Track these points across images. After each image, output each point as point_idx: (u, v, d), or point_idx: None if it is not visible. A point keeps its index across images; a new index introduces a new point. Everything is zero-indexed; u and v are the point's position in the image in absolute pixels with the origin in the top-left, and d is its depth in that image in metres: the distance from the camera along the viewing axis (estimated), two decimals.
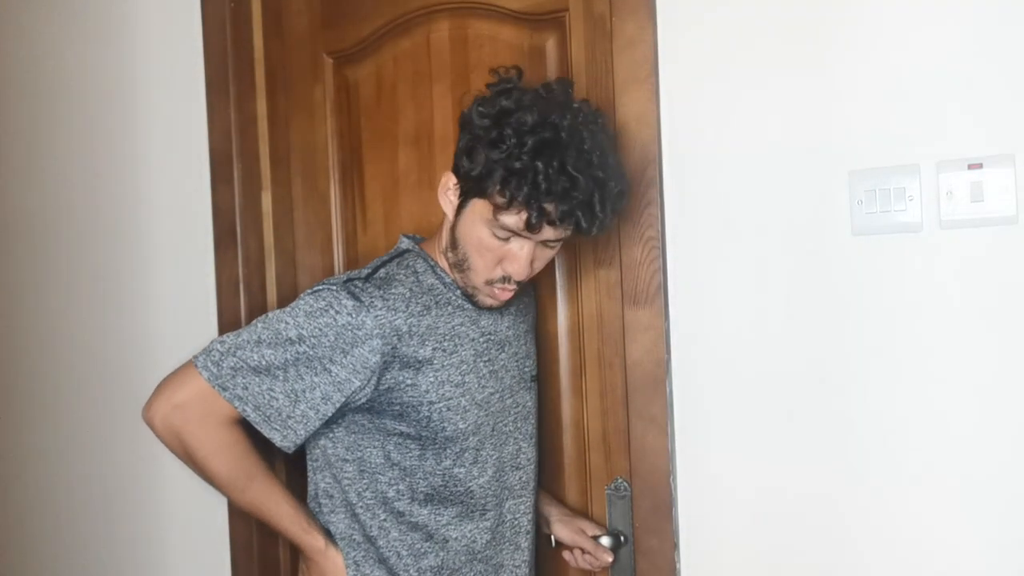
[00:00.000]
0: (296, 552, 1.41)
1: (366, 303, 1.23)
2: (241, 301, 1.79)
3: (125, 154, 1.88)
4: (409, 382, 1.26)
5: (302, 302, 1.25)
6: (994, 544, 1.21)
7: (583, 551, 1.46)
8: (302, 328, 1.23)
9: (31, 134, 1.78)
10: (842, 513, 1.30)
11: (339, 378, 1.23)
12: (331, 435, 1.33)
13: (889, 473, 1.27)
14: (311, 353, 1.22)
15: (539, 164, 1.17)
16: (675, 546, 1.42)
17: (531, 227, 1.19)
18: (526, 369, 1.43)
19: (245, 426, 1.26)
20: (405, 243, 1.39)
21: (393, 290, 1.27)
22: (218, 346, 1.24)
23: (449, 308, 1.31)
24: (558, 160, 1.17)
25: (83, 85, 1.89)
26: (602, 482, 1.52)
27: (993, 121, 1.20)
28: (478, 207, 1.24)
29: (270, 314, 1.27)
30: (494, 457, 1.35)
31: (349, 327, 1.22)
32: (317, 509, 1.36)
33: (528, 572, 1.43)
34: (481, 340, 1.34)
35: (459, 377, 1.29)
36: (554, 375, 1.56)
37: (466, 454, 1.32)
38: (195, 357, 1.24)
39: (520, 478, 1.40)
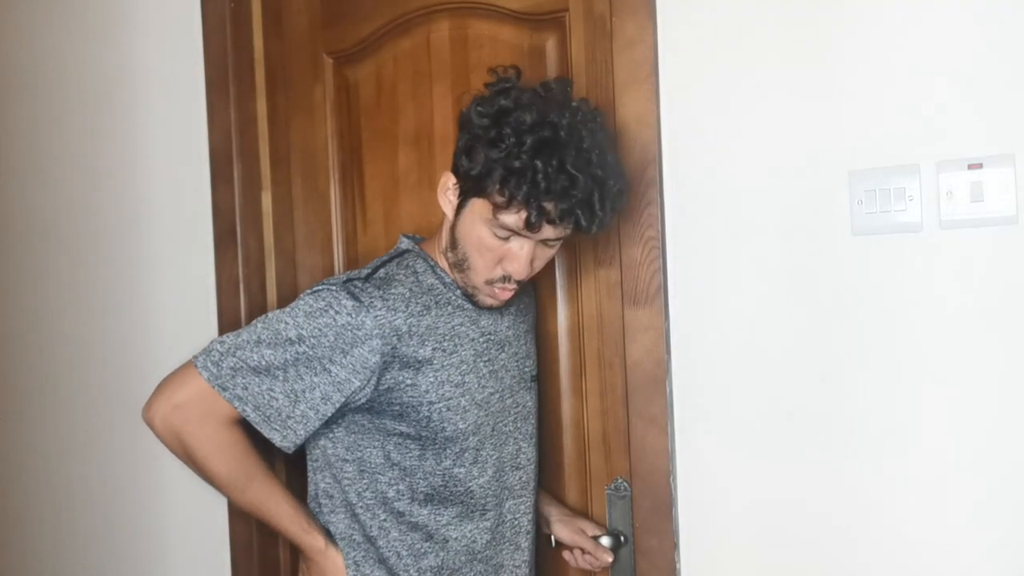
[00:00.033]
0: (296, 552, 1.40)
1: (366, 303, 1.23)
2: (241, 301, 1.79)
3: (125, 154, 1.88)
4: (409, 382, 1.26)
5: (302, 302, 1.25)
6: (995, 545, 1.21)
7: (583, 551, 1.46)
8: (302, 328, 1.23)
9: (31, 134, 1.78)
10: (842, 513, 1.30)
11: (339, 378, 1.23)
12: (331, 435, 1.33)
13: (889, 473, 1.27)
14: (311, 353, 1.22)
15: (538, 163, 1.17)
16: (675, 546, 1.42)
17: (531, 226, 1.19)
18: (526, 369, 1.43)
19: (245, 426, 1.26)
20: (405, 243, 1.39)
21: (393, 290, 1.27)
22: (218, 346, 1.24)
23: (449, 308, 1.31)
24: (557, 159, 1.17)
25: (83, 85, 1.89)
26: (602, 482, 1.52)
27: (993, 121, 1.20)
28: (478, 207, 1.24)
29: (270, 314, 1.27)
30: (494, 457, 1.35)
31: (349, 327, 1.22)
32: (317, 509, 1.36)
33: (528, 572, 1.43)
34: (481, 340, 1.34)
35: (459, 377, 1.29)
36: (554, 375, 1.56)
37: (466, 454, 1.32)
38: (195, 357, 1.24)
39: (520, 478, 1.40)
